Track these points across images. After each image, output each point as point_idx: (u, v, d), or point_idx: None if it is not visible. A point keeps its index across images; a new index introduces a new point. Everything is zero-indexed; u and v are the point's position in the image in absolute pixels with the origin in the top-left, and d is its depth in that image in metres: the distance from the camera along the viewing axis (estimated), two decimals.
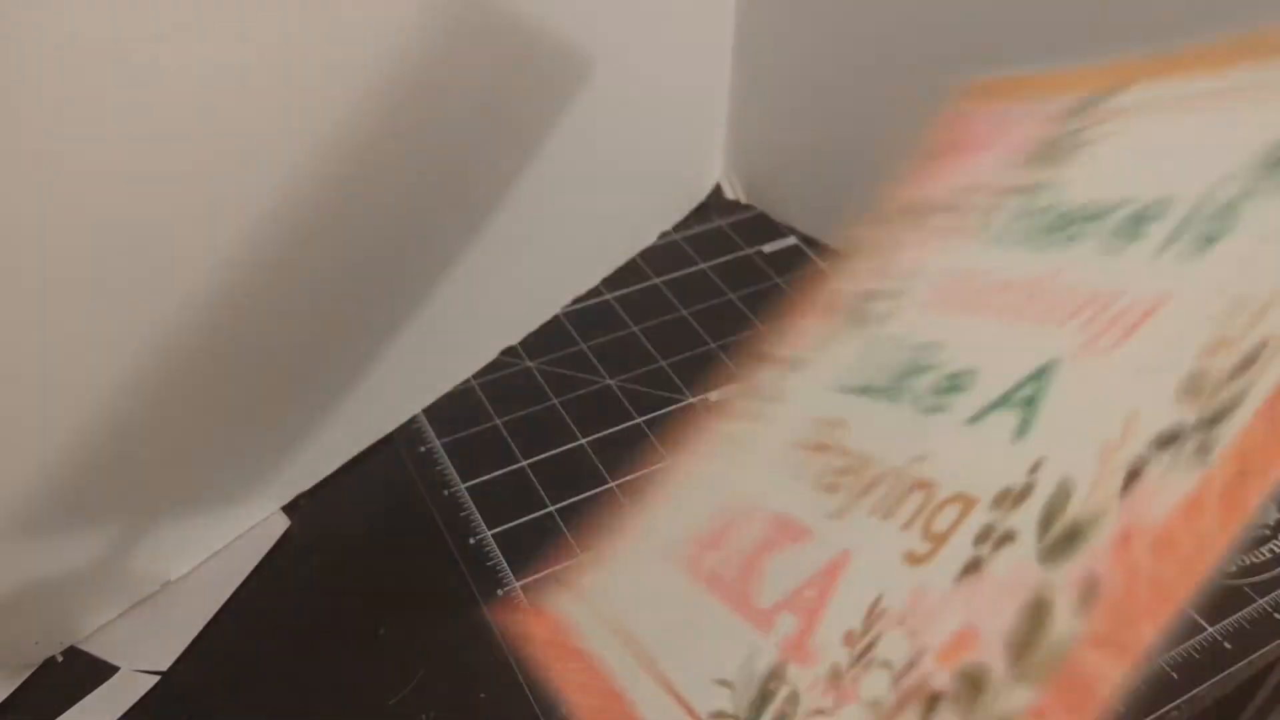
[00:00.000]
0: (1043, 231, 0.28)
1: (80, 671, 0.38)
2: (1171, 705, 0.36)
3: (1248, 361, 0.20)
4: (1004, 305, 0.28)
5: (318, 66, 0.34)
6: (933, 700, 0.20)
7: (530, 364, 0.50)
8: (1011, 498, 0.22)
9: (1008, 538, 0.21)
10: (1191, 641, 0.37)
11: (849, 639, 0.23)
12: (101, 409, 0.35)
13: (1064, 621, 0.19)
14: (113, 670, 0.38)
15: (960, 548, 0.22)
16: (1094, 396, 0.23)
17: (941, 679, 0.20)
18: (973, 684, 0.20)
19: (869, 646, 0.23)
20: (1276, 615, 0.38)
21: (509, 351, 0.51)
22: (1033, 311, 0.26)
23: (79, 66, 0.28)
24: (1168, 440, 0.20)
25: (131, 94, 0.30)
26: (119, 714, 0.36)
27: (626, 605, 0.30)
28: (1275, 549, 0.40)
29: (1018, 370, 0.25)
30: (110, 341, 0.34)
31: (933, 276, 0.31)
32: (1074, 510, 0.20)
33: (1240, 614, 0.38)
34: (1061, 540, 0.20)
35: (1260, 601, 0.39)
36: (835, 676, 0.23)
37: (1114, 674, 0.18)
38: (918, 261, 0.32)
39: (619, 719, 0.27)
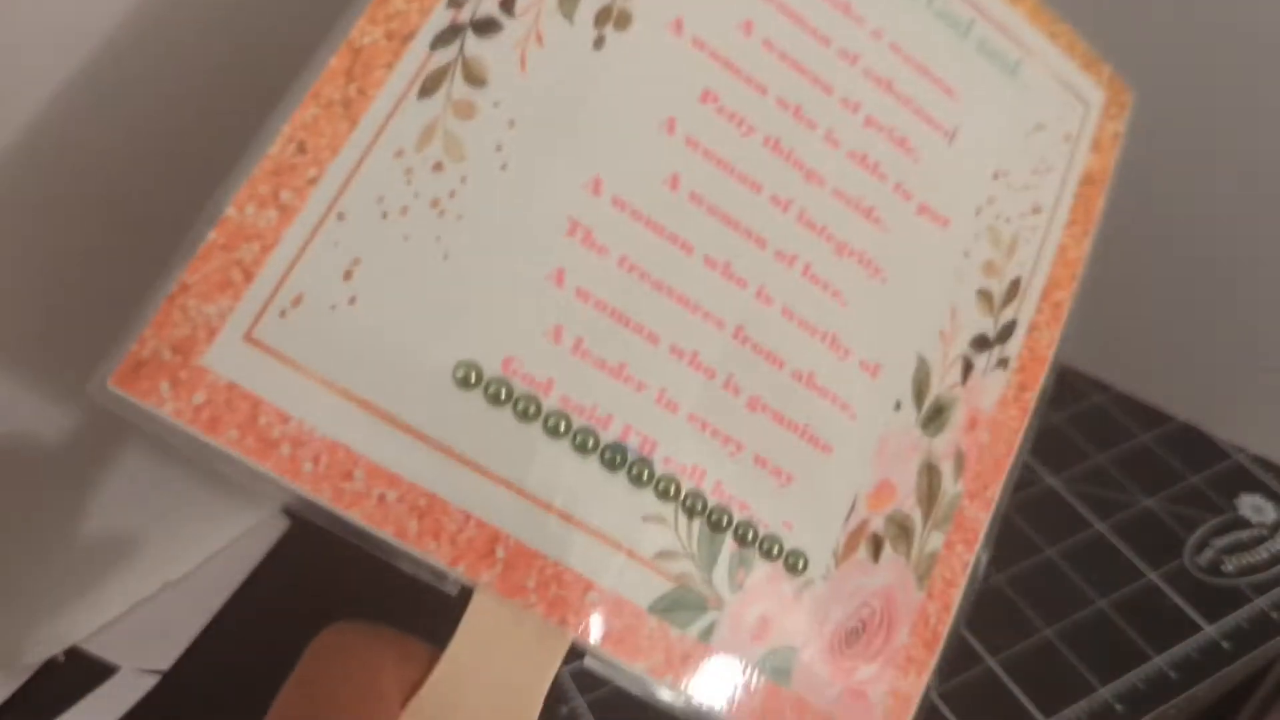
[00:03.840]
0: None
1: (80, 671, 0.38)
2: (1170, 705, 0.36)
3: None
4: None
5: None
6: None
7: None
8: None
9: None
10: (1190, 641, 0.37)
11: None
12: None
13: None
14: (113, 670, 0.38)
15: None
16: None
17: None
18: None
19: None
20: (1274, 615, 0.38)
21: None
22: None
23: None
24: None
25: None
26: (119, 714, 0.36)
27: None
28: (1274, 549, 0.41)
29: None
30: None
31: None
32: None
33: (1239, 614, 0.38)
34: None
35: (1258, 601, 0.39)
36: None
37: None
38: None
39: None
